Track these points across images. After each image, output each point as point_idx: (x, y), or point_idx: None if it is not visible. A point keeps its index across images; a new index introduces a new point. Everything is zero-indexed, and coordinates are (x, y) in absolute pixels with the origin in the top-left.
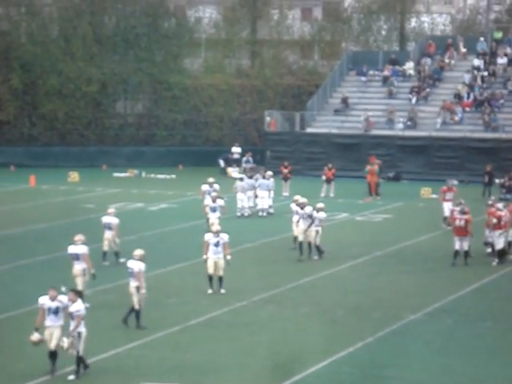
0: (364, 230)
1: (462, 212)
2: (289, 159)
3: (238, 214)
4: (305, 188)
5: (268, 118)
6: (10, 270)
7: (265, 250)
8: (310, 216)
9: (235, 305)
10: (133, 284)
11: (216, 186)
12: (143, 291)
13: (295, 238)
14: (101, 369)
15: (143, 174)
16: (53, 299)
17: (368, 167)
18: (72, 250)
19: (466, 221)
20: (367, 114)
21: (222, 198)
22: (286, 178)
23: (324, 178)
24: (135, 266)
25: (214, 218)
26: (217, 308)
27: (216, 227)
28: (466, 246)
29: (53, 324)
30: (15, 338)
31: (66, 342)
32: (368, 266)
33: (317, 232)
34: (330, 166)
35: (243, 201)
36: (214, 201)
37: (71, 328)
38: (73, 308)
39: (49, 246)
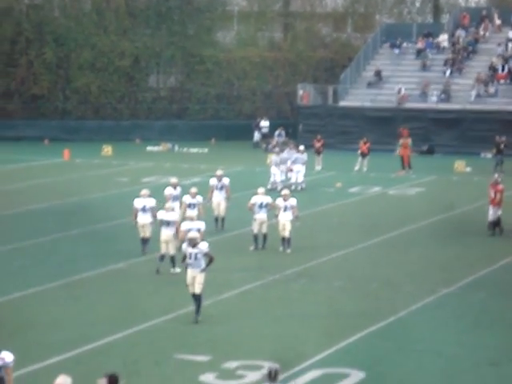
0: (397, 204)
1: None
2: (321, 133)
3: (269, 186)
4: (337, 162)
5: (301, 92)
6: (44, 243)
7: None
8: None
9: (268, 278)
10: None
11: (225, 181)
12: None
13: (283, 239)
14: (134, 342)
15: (176, 148)
16: None
17: (401, 140)
18: (160, 215)
19: None
20: (401, 87)
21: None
22: (318, 152)
23: (359, 151)
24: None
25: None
26: (249, 281)
27: None
28: None
29: None
30: (50, 311)
31: None
32: (401, 239)
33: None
34: (365, 140)
35: (276, 175)
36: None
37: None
38: (8, 358)
39: (83, 220)
